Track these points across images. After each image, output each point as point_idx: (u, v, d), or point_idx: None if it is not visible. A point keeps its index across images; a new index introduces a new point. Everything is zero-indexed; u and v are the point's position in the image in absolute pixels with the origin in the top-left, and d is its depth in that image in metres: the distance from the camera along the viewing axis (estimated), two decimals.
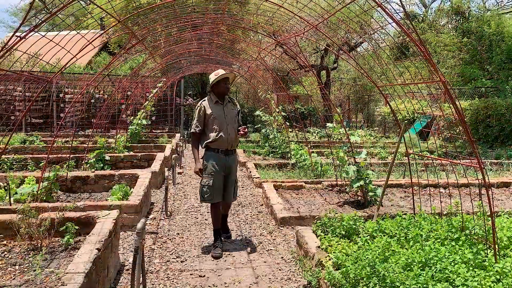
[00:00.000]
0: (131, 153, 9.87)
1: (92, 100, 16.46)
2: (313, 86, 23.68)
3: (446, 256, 3.40)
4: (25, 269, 3.32)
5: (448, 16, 23.99)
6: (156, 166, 8.03)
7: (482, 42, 21.49)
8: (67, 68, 7.31)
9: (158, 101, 16.78)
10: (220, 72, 4.60)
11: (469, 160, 3.62)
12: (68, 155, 7.26)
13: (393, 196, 6.79)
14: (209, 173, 4.54)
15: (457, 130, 15.91)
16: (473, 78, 20.84)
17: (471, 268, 3.27)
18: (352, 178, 6.13)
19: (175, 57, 11.24)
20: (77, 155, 8.82)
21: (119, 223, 4.31)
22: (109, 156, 8.61)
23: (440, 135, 16.05)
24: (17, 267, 3.37)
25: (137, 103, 15.35)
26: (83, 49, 4.34)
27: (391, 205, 6.13)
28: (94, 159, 8.25)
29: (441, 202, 4.66)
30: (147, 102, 13.04)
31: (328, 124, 6.65)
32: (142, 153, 9.42)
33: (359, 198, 6.30)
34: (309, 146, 9.65)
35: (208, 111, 4.58)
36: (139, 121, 12.33)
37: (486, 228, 3.52)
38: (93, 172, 7.00)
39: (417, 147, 11.71)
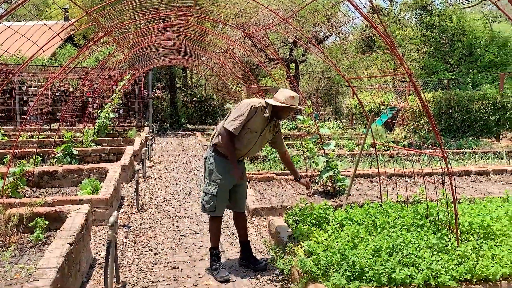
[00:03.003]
0: (99, 147, 9.71)
1: (57, 93, 16.03)
2: (283, 79, 23.85)
3: (412, 242, 3.56)
4: None
5: (412, 10, 24.61)
6: (125, 159, 7.95)
7: (445, 36, 22.17)
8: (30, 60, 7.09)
9: (125, 94, 16.51)
10: (296, 98, 3.81)
11: (433, 150, 3.77)
12: (34, 150, 7.08)
13: (360, 185, 6.98)
14: (214, 180, 3.81)
15: (422, 121, 16.42)
16: (436, 71, 21.52)
17: (435, 253, 3.44)
18: (322, 169, 6.27)
19: (143, 49, 11.08)
20: (43, 149, 8.62)
21: (91, 217, 4.27)
22: (77, 150, 8.45)
23: (405, 126, 16.52)
24: None
25: (104, 96, 15.06)
26: (50, 40, 4.24)
27: (359, 194, 6.31)
28: (62, 154, 8.07)
29: (406, 191, 4.84)
30: (114, 95, 12.82)
31: (298, 117, 6.75)
32: (111, 147, 9.28)
33: (329, 188, 6.45)
34: None
35: (254, 120, 3.78)
36: (107, 115, 12.12)
37: (449, 215, 3.70)
38: (61, 166, 6.86)
39: (383, 138, 12.04)
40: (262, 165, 8.76)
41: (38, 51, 4.35)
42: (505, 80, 15.17)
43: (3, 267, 3.25)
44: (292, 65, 23.06)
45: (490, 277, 3.28)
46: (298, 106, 3.87)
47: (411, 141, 8.92)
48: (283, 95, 3.81)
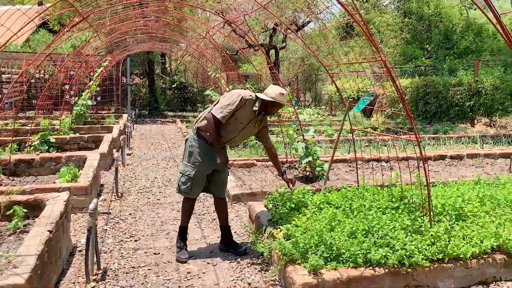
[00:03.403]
0: (77, 134, 9.58)
1: (32, 80, 15.68)
2: (263, 66, 23.81)
3: (387, 224, 3.67)
4: None
5: None
6: (104, 147, 7.87)
7: (422, 22, 22.44)
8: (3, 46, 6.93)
9: (103, 81, 16.26)
10: (285, 96, 3.91)
11: (408, 135, 3.87)
12: (10, 138, 6.96)
13: (339, 170, 7.10)
14: (193, 162, 3.87)
15: (399, 107, 16.70)
16: (414, 57, 21.80)
17: (409, 234, 3.56)
18: (301, 155, 6.35)
19: (120, 35, 10.91)
20: (19, 138, 8.45)
21: (70, 205, 4.25)
22: (55, 138, 8.33)
23: (383, 112, 16.80)
24: None
25: (81, 83, 14.79)
26: (24, 26, 4.14)
27: (337, 179, 6.43)
28: (39, 142, 7.95)
29: (383, 175, 4.97)
30: (92, 81, 12.62)
31: None
32: (89, 135, 9.18)
33: (308, 173, 6.55)
34: None
35: (242, 111, 3.85)
36: (84, 102, 11.93)
37: (423, 197, 3.82)
38: (38, 154, 6.76)
39: (361, 124, 12.21)
40: (243, 151, 8.81)
41: (12, 37, 4.26)
42: (480, 67, 15.50)
43: None
44: (272, 52, 23.02)
45: (461, 256, 3.42)
46: (286, 103, 3.97)
47: (388, 127, 9.08)
48: (273, 91, 3.87)
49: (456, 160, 8.10)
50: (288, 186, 4.29)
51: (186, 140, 4.05)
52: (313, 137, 6.65)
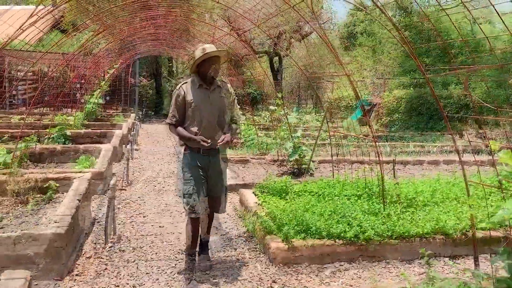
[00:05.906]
0: (90, 130, 10.47)
1: (46, 79, 16.58)
2: (268, 72, 24.70)
3: (349, 207, 4.52)
4: (18, 215, 4.10)
5: (393, 10, 25.69)
6: (115, 141, 8.75)
7: (422, 36, 23.31)
8: (17, 44, 7.73)
9: (112, 81, 17.18)
10: (208, 48, 3.60)
11: (372, 139, 4.69)
12: (35, 130, 7.84)
13: (325, 169, 7.95)
14: (187, 179, 3.65)
15: (394, 117, 17.54)
16: (412, 70, 22.65)
17: (366, 215, 4.40)
18: (290, 153, 7.21)
19: (130, 39, 11.77)
20: (36, 131, 9.34)
21: (91, 184, 5.11)
22: (70, 132, 9.21)
23: (379, 120, 17.63)
24: (10, 214, 4.13)
25: (91, 82, 15.70)
26: (36, 22, 4.75)
27: (321, 175, 7.27)
28: (56, 134, 8.82)
29: (351, 171, 5.79)
30: (103, 82, 13.53)
31: (271, 107, 7.66)
32: (101, 130, 10.07)
33: (295, 170, 7.39)
34: (256, 127, 10.65)
35: (189, 97, 3.63)
36: (96, 100, 12.84)
37: (380, 188, 4.66)
38: (60, 144, 7.64)
39: (356, 131, 13.05)
40: (241, 150, 9.67)
41: (17, 34, 4.83)
42: (473, 81, 16.30)
43: (26, 216, 4.09)
44: (276, 59, 23.93)
45: (406, 234, 4.24)
46: (215, 51, 3.62)
47: (378, 134, 9.90)
48: (197, 52, 3.66)
49: (433, 166, 8.92)
50: (223, 140, 3.62)
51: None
52: (303, 138, 7.47)
